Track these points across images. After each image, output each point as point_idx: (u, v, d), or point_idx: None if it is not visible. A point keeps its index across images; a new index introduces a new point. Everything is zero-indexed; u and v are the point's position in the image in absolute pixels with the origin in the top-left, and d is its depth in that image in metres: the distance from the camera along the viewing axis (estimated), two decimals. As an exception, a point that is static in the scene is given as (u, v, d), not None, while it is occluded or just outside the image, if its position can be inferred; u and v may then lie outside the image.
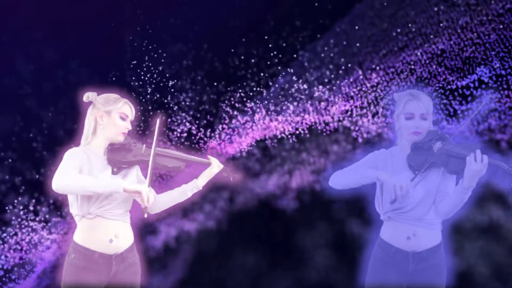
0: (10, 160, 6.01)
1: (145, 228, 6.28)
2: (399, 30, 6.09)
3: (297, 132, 6.27)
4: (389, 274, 3.84)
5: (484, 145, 6.03)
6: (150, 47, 6.12)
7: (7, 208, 5.96)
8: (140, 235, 6.28)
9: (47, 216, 6.00)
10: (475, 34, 5.98)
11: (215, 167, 3.97)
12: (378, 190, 3.91)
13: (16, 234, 5.96)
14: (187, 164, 3.94)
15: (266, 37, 6.23)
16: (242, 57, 6.24)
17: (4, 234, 5.95)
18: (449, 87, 6.06)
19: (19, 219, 5.97)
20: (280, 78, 6.25)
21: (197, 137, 6.24)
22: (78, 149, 3.78)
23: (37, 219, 6.00)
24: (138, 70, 6.14)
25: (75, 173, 3.59)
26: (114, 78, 6.07)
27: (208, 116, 6.26)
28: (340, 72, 6.19)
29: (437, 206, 3.83)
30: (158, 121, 3.84)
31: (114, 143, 3.83)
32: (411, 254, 3.83)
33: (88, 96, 3.85)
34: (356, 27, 6.16)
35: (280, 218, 6.43)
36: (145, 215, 3.74)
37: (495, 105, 6.02)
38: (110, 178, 3.74)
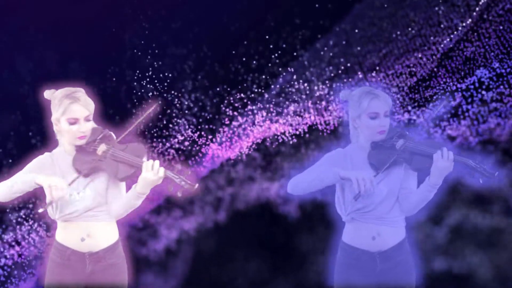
0: (10, 160, 6.00)
1: (145, 231, 6.28)
2: (399, 31, 6.09)
3: (298, 132, 6.27)
4: (357, 277, 3.79)
5: (480, 144, 6.05)
6: (150, 48, 6.12)
7: (7, 209, 5.96)
8: (140, 238, 6.29)
9: (47, 218, 5.99)
10: (475, 34, 5.99)
11: (147, 173, 3.48)
12: (338, 190, 3.84)
13: (15, 233, 5.96)
14: (138, 170, 3.56)
15: (266, 38, 6.22)
16: (243, 58, 6.24)
17: (4, 235, 5.95)
18: (449, 88, 6.06)
19: (19, 219, 5.97)
20: (280, 78, 6.25)
21: (197, 139, 6.24)
22: (42, 157, 3.72)
23: (37, 218, 5.99)
24: (138, 72, 6.14)
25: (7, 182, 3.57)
26: (114, 79, 6.07)
27: (208, 117, 6.25)
28: (340, 72, 6.18)
29: (401, 204, 3.80)
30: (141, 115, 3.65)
31: (78, 145, 3.67)
32: (377, 254, 3.79)
33: (47, 94, 3.70)
34: (356, 27, 6.16)
35: (281, 222, 6.42)
36: (40, 210, 3.60)
37: (496, 105, 6.03)
38: (83, 181, 3.65)
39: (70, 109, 3.58)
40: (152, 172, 3.48)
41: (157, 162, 3.51)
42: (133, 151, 3.59)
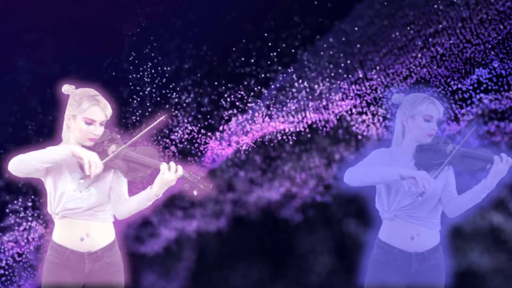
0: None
1: (145, 232, 6.29)
2: (398, 31, 6.09)
3: (297, 131, 6.27)
4: (392, 276, 3.89)
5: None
6: (149, 46, 6.12)
7: (7, 210, 5.96)
8: (140, 239, 6.30)
9: (46, 216, 6.00)
10: (475, 34, 5.99)
11: (165, 174, 3.56)
12: (382, 188, 3.95)
13: (15, 234, 5.97)
14: (152, 170, 3.64)
15: (266, 36, 6.22)
16: (242, 57, 6.24)
17: (4, 237, 5.95)
18: (450, 88, 6.07)
19: (18, 220, 5.97)
20: (280, 77, 6.25)
21: (197, 137, 6.24)
22: None
23: (36, 216, 6.00)
24: (138, 70, 6.14)
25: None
26: (114, 78, 6.07)
27: (208, 116, 6.26)
28: (340, 72, 6.19)
29: (446, 206, 3.95)
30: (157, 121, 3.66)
31: (86, 146, 3.68)
32: (413, 254, 3.89)
33: (66, 89, 3.71)
34: (356, 27, 6.16)
35: (282, 224, 6.42)
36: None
37: (495, 107, 6.03)
38: (80, 180, 3.64)
39: (90, 110, 3.63)
40: (170, 172, 3.55)
41: (173, 163, 3.58)
42: (144, 153, 3.66)
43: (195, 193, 3.56)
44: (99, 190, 3.70)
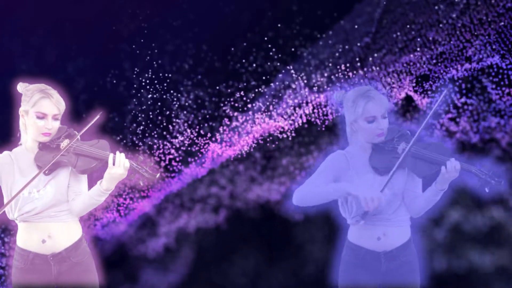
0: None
1: (145, 230, 6.27)
2: (398, 30, 6.10)
3: (297, 130, 6.27)
4: (362, 276, 3.80)
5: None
6: (149, 46, 6.13)
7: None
8: (139, 238, 6.29)
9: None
10: (475, 34, 5.99)
11: (113, 168, 3.47)
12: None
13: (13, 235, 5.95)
14: (103, 163, 3.56)
15: (265, 36, 6.23)
16: (242, 56, 6.24)
17: (7, 239, 5.94)
18: (450, 85, 6.07)
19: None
20: (280, 76, 6.25)
21: (197, 138, 6.23)
22: (1, 156, 3.68)
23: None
24: (138, 70, 6.14)
25: None
26: (114, 78, 6.07)
27: (208, 115, 6.25)
28: (340, 71, 6.19)
29: (408, 206, 3.81)
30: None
31: (42, 142, 3.64)
32: (382, 253, 3.79)
33: (20, 87, 3.69)
34: (356, 26, 6.17)
35: (281, 220, 6.41)
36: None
37: (496, 102, 6.03)
38: (44, 178, 3.61)
39: (41, 104, 3.58)
40: (118, 166, 3.48)
41: (122, 155, 3.52)
42: (97, 146, 3.61)
43: (141, 183, 3.53)
44: (56, 189, 3.63)
